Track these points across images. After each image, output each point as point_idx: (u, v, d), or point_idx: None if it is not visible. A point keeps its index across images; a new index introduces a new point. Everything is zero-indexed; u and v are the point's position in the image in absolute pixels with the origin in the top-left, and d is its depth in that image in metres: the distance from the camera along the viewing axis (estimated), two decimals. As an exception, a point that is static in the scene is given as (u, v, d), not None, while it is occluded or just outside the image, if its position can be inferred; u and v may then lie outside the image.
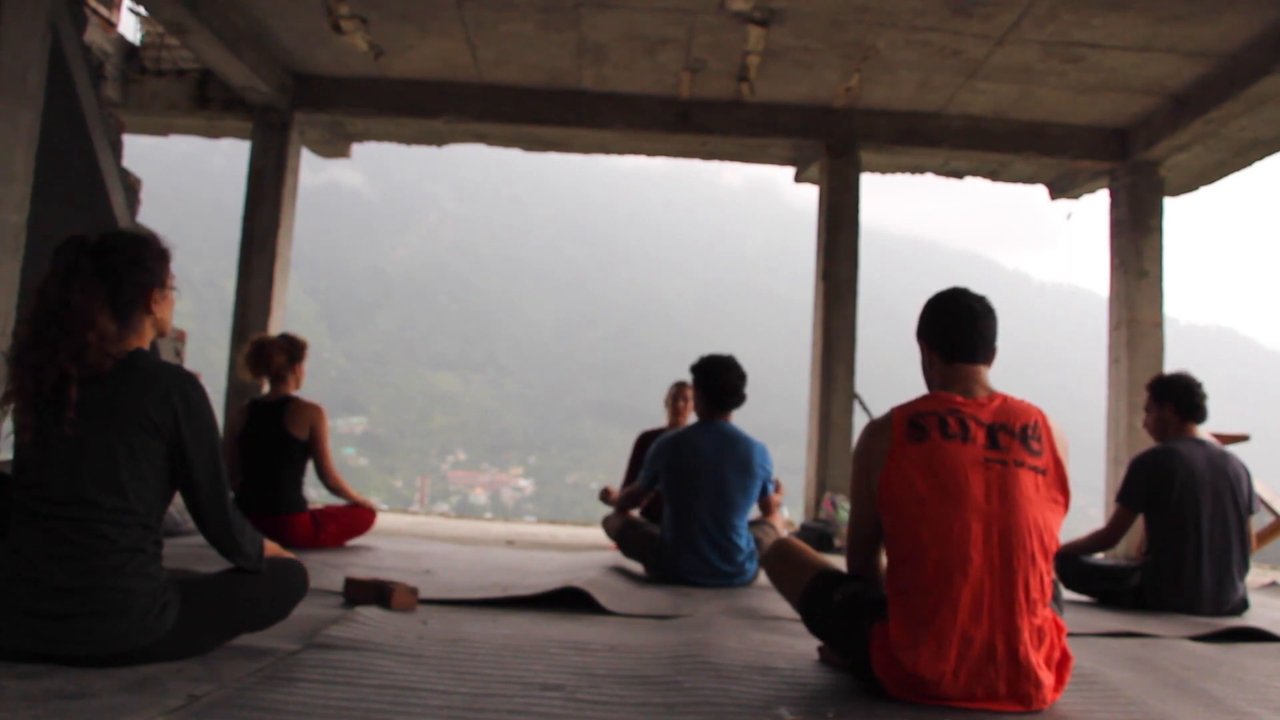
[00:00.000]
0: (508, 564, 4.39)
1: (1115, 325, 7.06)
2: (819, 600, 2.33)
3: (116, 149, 5.50)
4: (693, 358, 4.23)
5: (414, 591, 2.93)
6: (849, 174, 7.09)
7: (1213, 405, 4.10)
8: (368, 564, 4.03)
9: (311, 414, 4.52)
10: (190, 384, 2.08)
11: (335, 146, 7.64)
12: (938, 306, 2.32)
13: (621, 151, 7.76)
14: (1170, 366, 5.53)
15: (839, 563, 2.54)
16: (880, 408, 2.83)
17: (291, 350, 4.62)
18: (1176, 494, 3.86)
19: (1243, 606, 3.87)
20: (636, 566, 4.30)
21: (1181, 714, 2.14)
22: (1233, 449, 4.15)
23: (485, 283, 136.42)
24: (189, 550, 3.62)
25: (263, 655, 2.15)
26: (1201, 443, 4.00)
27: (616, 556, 4.76)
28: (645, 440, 5.38)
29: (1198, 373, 4.11)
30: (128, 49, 6.92)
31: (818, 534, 6.18)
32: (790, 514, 6.90)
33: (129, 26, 19.02)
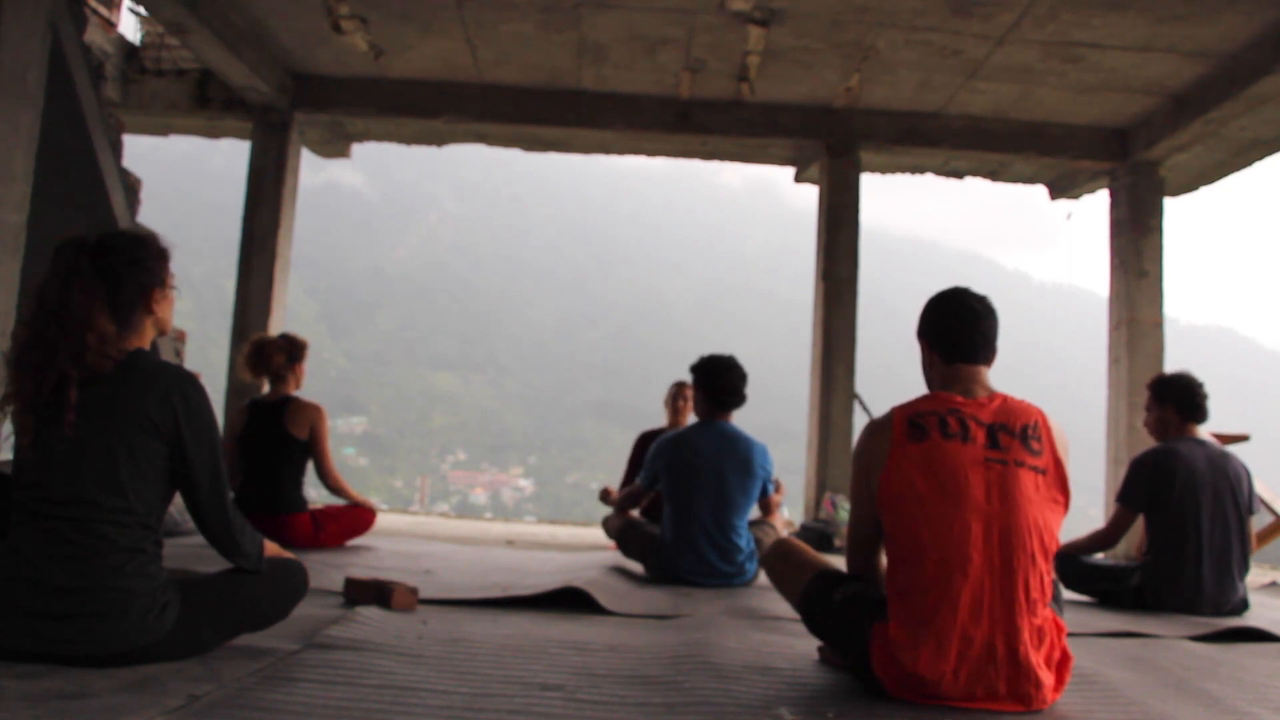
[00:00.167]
0: (508, 564, 4.39)
1: (1115, 325, 7.06)
2: (819, 600, 2.33)
3: (116, 149, 5.50)
4: (693, 358, 4.23)
5: (414, 591, 2.93)
6: (849, 174, 7.09)
7: (1213, 405, 4.10)
8: (368, 564, 4.03)
9: (311, 414, 4.53)
10: (190, 384, 2.08)
11: (335, 146, 7.64)
12: (938, 306, 2.32)
13: (621, 151, 7.77)
14: (1170, 366, 5.54)
15: (839, 563, 2.54)
16: (880, 408, 2.83)
17: (291, 350, 4.62)
18: (1177, 494, 3.86)
19: (1243, 606, 3.88)
20: (636, 566, 4.30)
21: (1181, 714, 2.14)
22: (1233, 449, 4.15)
23: (485, 283, 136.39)
24: (189, 550, 3.62)
25: (263, 655, 2.15)
26: (1202, 443, 4.00)
27: (616, 556, 4.76)
28: (645, 440, 5.38)
29: (1198, 373, 4.11)
30: (128, 49, 6.93)
31: (818, 534, 6.18)
32: (790, 514, 6.90)
33: (129, 26, 19.03)
